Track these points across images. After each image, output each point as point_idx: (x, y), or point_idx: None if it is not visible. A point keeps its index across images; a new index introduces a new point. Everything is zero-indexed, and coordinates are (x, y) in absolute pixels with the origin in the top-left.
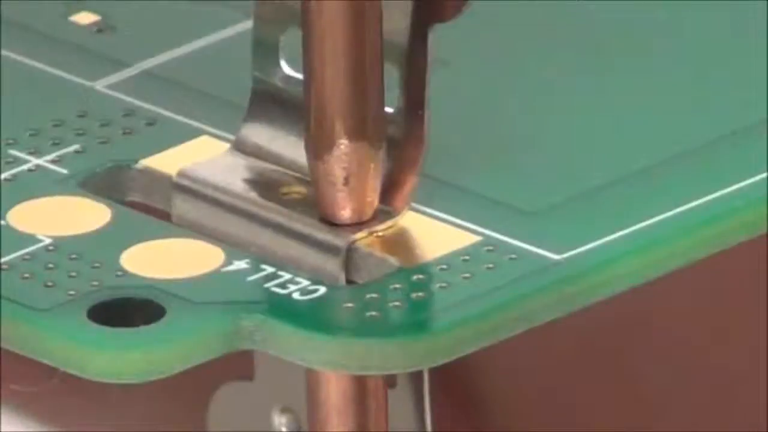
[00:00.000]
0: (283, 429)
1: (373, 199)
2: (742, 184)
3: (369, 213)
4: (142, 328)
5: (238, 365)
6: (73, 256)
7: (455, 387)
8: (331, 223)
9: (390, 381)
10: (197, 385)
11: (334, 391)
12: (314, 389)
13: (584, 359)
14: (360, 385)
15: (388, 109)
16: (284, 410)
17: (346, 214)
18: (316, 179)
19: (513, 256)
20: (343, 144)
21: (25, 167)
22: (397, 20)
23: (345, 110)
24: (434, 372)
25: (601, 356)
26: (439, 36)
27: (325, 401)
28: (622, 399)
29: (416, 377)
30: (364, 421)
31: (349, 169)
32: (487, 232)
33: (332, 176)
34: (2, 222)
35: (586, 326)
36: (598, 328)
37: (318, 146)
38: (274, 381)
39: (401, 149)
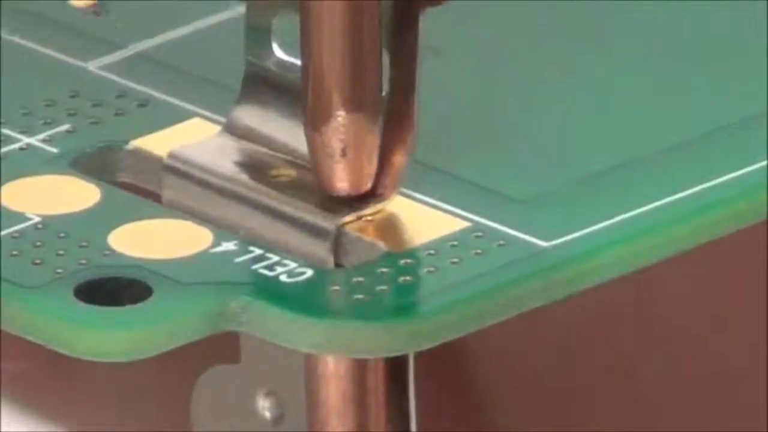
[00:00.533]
0: (267, 413)
1: (370, 170)
2: (736, 174)
3: (366, 185)
4: (129, 307)
5: (224, 349)
6: (62, 234)
7: (443, 374)
8: (323, 203)
9: None
10: (182, 368)
11: (334, 392)
12: (314, 390)
13: (578, 348)
14: (360, 385)
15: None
16: (269, 394)
17: (343, 185)
18: (314, 151)
19: (501, 242)
20: (341, 116)
21: (16, 146)
22: (385, 3)
23: (342, 82)
24: (420, 358)
25: (595, 344)
26: (430, 24)
27: (325, 402)
28: (616, 388)
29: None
30: (363, 422)
31: (346, 141)
32: (475, 218)
33: (329, 148)
34: None
35: (581, 313)
36: (594, 316)
37: (315, 118)
38: (260, 365)
39: (390, 133)
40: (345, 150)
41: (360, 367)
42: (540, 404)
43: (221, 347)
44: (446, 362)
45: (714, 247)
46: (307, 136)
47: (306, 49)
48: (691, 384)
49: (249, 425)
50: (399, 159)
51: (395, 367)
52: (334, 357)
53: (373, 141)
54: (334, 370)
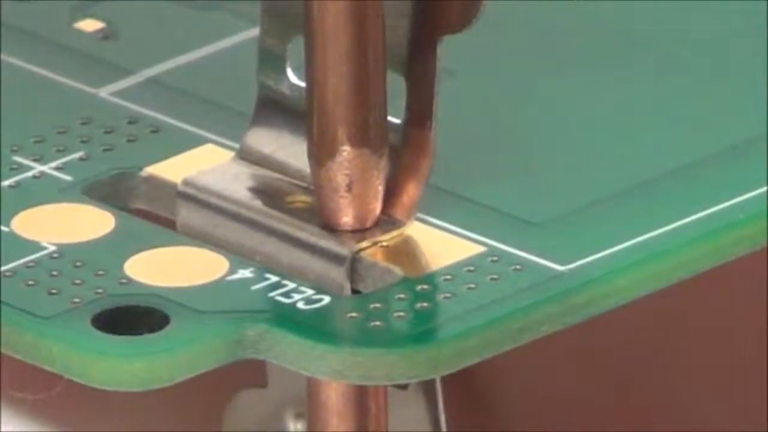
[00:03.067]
0: None
1: (375, 206)
2: (746, 196)
3: (371, 220)
4: (146, 336)
5: (252, 372)
6: (78, 263)
7: (467, 387)
8: (333, 230)
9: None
10: (211, 392)
11: (335, 393)
12: (315, 391)
13: (593, 360)
14: (360, 386)
15: (396, 120)
16: (298, 415)
17: (348, 220)
18: (319, 186)
19: (517, 266)
20: (346, 151)
21: (29, 174)
22: (402, 31)
23: (347, 117)
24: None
25: (612, 358)
26: (445, 46)
27: (326, 403)
28: (631, 401)
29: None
30: (364, 423)
31: (351, 176)
32: (491, 242)
33: (335, 183)
34: (6, 229)
35: (598, 328)
36: (611, 330)
37: (320, 153)
38: (288, 387)
39: (407, 159)
40: (350, 185)
41: None
42: (553, 411)
43: (249, 371)
44: (464, 372)
45: (726, 266)
46: (312, 170)
47: (311, 85)
48: (703, 398)
49: None
50: (415, 185)
51: None
52: None
53: (378, 176)
54: None
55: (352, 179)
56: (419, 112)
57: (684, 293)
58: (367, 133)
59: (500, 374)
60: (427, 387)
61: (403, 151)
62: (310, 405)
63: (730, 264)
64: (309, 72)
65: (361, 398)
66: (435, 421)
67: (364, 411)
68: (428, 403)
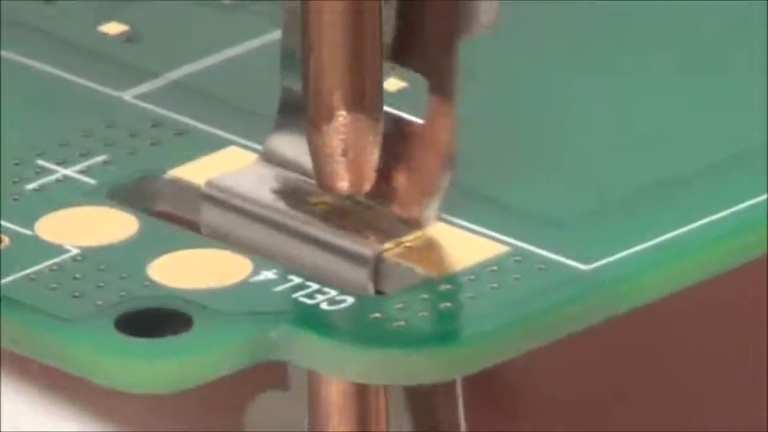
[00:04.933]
0: None
1: (370, 170)
2: None
3: (366, 186)
4: (170, 338)
5: (273, 374)
6: (101, 266)
7: (485, 385)
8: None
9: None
10: (232, 395)
11: (335, 390)
12: (315, 388)
13: (615, 360)
14: (361, 384)
15: (418, 120)
16: None
17: (343, 185)
18: (314, 151)
19: (541, 266)
20: (341, 115)
21: (53, 177)
22: (422, 31)
23: (343, 82)
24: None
25: (633, 357)
26: (465, 47)
27: (326, 400)
28: (654, 401)
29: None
30: (365, 420)
31: (347, 141)
32: (514, 242)
33: (330, 147)
34: (30, 232)
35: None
36: (631, 329)
37: (316, 118)
38: None
39: (430, 159)
40: (346, 150)
41: None
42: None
43: (271, 373)
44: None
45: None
46: (307, 136)
47: (307, 49)
48: (726, 395)
49: None
50: (438, 185)
51: None
52: None
53: (374, 141)
54: None
55: (348, 144)
56: (441, 113)
57: (685, 293)
58: (363, 98)
59: (517, 374)
60: (448, 388)
61: (426, 151)
62: (310, 402)
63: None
64: (304, 37)
65: (362, 395)
66: (455, 423)
67: (365, 408)
68: (448, 403)
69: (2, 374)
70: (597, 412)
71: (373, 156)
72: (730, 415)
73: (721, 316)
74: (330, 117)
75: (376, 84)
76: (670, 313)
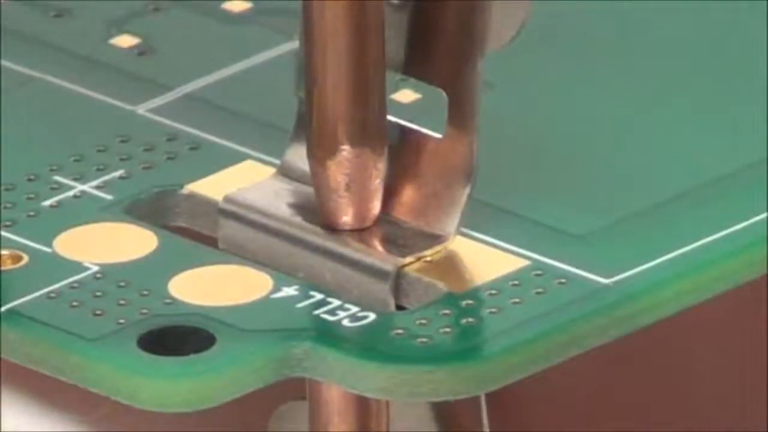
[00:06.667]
0: None
1: (374, 205)
2: None
3: (370, 220)
4: (193, 357)
5: (296, 385)
6: (122, 283)
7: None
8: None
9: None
10: (255, 405)
11: (336, 392)
12: (315, 390)
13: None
14: None
15: (437, 135)
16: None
17: (347, 220)
18: (318, 185)
19: (562, 280)
20: (345, 150)
21: (70, 193)
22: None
23: (346, 116)
24: None
25: (643, 360)
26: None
27: (327, 401)
28: (664, 402)
29: None
30: (365, 422)
31: (350, 175)
32: (535, 256)
33: (334, 182)
34: (49, 250)
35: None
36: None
37: (320, 152)
38: None
39: (450, 174)
40: (349, 185)
41: None
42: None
43: (293, 384)
44: None
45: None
46: (311, 170)
47: (310, 83)
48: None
49: None
50: (458, 200)
51: None
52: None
53: (377, 175)
54: None
55: (351, 179)
56: (461, 127)
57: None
58: (366, 133)
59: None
60: (473, 401)
61: (447, 166)
62: (311, 404)
63: None
64: (308, 70)
65: (363, 397)
66: (478, 421)
67: (366, 410)
68: (473, 417)
69: (2, 378)
70: (606, 415)
71: (376, 190)
72: (730, 415)
73: (721, 317)
74: (334, 151)
75: (380, 117)
76: (670, 320)
